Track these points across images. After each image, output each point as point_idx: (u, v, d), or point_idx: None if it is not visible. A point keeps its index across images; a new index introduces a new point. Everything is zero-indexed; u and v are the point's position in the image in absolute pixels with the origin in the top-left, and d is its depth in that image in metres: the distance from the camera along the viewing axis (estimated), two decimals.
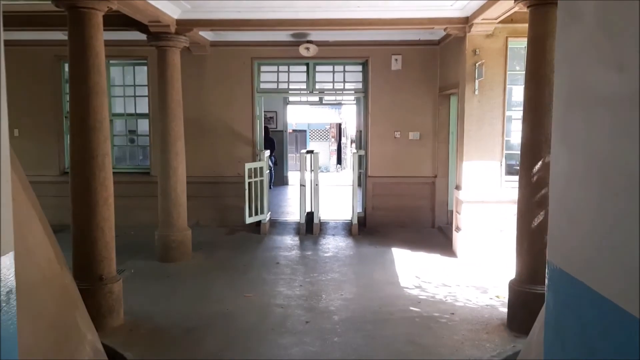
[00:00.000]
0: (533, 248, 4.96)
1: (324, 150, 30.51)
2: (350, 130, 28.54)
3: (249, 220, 8.62)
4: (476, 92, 7.28)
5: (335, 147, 30.92)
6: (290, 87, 9.53)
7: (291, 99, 14.89)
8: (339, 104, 19.25)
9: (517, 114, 7.42)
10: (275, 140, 14.07)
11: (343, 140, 30.15)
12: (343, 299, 6.01)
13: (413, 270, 7.04)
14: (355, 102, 14.49)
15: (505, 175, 7.44)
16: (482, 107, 7.31)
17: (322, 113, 29.81)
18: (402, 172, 9.34)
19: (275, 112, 14.69)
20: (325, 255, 7.84)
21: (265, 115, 14.38)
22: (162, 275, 6.96)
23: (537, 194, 4.90)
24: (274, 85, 9.53)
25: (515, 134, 7.33)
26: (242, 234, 8.99)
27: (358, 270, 7.12)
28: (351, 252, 8.05)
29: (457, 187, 7.65)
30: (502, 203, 7.36)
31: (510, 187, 7.41)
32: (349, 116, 28.67)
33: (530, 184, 4.94)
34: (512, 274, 5.27)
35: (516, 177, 7.55)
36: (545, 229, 4.84)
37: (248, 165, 8.54)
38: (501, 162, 7.35)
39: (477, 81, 7.24)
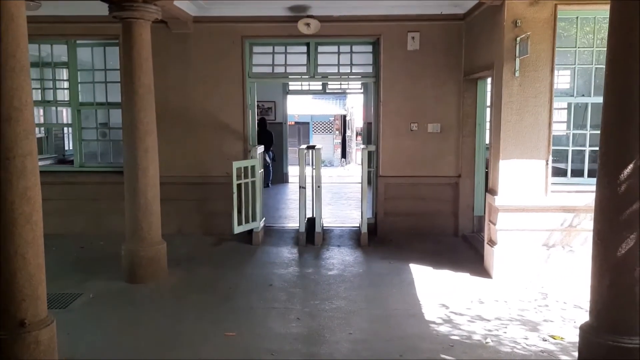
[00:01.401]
0: (619, 285, 3.56)
1: (328, 143, 29.21)
2: (357, 122, 27.14)
3: (237, 229, 7.23)
4: (517, 74, 5.85)
5: (339, 140, 29.54)
6: (288, 71, 8.11)
7: (291, 87, 13.45)
8: (344, 94, 17.70)
9: (559, 104, 6.02)
10: (273, 134, 12.66)
11: (348, 133, 28.73)
12: (352, 341, 4.62)
13: (438, 295, 5.64)
14: (362, 91, 13.12)
15: (552, 176, 6.02)
16: (524, 92, 5.88)
17: (326, 104, 28.41)
18: (420, 171, 7.93)
19: (274, 102, 13.27)
20: (329, 273, 6.45)
21: (262, 105, 13.05)
22: (127, 301, 5.61)
23: (626, 210, 3.48)
24: (268, 69, 8.12)
25: (558, 126, 5.93)
26: (231, 244, 7.61)
27: (370, 296, 5.72)
28: (360, 269, 6.65)
29: (491, 191, 6.24)
30: (549, 211, 5.96)
31: (559, 192, 6.00)
32: (354, 107, 27.28)
33: (614, 196, 3.52)
34: (565, 304, 3.89)
35: (565, 179, 6.17)
36: (637, 259, 3.47)
37: (237, 164, 7.14)
38: (547, 160, 5.92)
39: (518, 60, 5.81)
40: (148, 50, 6.02)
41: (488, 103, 7.70)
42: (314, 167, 7.68)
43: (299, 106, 27.74)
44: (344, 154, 28.49)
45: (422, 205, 7.97)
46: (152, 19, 6.00)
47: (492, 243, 6.20)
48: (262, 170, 8.11)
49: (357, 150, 27.71)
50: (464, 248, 7.41)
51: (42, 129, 9.75)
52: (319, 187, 7.57)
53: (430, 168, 7.92)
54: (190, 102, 7.94)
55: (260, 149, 7.90)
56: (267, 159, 12.54)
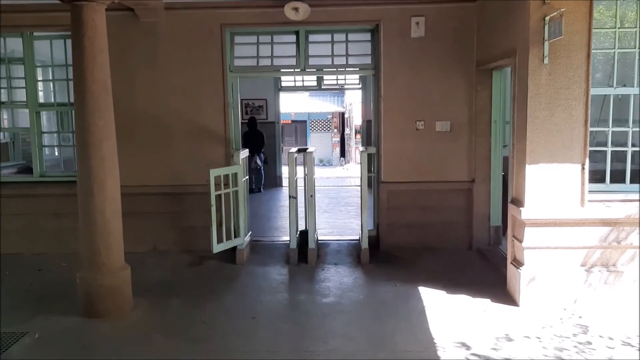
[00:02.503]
0: None
1: (327, 142, 28.25)
2: (356, 119, 26.14)
3: (217, 248, 6.22)
4: (545, 61, 4.84)
5: (338, 138, 28.57)
6: (275, 64, 7.08)
7: (284, 83, 12.44)
8: (340, 90, 16.68)
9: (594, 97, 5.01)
10: (264, 134, 11.65)
11: (347, 131, 27.75)
12: None
13: (456, 330, 4.64)
14: (361, 86, 12.13)
15: (590, 183, 5.02)
16: (555, 82, 4.88)
17: (323, 102, 27.41)
18: (427, 176, 6.94)
19: (265, 100, 12.26)
20: (324, 301, 5.45)
21: (252, 103, 12.05)
22: (78, 343, 4.62)
23: None
24: (253, 62, 7.10)
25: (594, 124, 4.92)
26: (212, 264, 6.61)
27: (372, 332, 4.72)
28: (360, 294, 5.66)
29: (515, 202, 5.23)
30: (586, 225, 4.98)
31: (598, 201, 5.00)
32: (353, 104, 26.28)
33: None
34: (612, 340, 3.02)
35: (603, 186, 5.17)
36: None
37: (215, 172, 6.13)
38: (584, 164, 4.92)
39: (547, 44, 4.80)
40: (103, 40, 5.03)
41: (506, 97, 6.70)
42: (305, 173, 6.67)
43: (295, 104, 26.79)
44: (342, 153, 27.54)
45: (430, 215, 6.97)
46: (106, 3, 5.00)
47: (517, 263, 5.19)
48: (248, 176, 7.08)
49: (356, 149, 26.77)
50: (481, 266, 6.40)
51: (6, 133, 8.77)
52: (311, 196, 6.56)
53: (439, 172, 6.92)
54: (163, 102, 6.93)
55: (244, 153, 6.90)
56: (258, 161, 11.54)
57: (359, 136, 26.83)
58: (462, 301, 5.30)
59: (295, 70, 7.07)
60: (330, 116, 28.42)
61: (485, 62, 6.38)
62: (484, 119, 6.76)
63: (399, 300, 5.39)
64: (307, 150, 6.64)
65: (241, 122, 11.75)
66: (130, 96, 6.86)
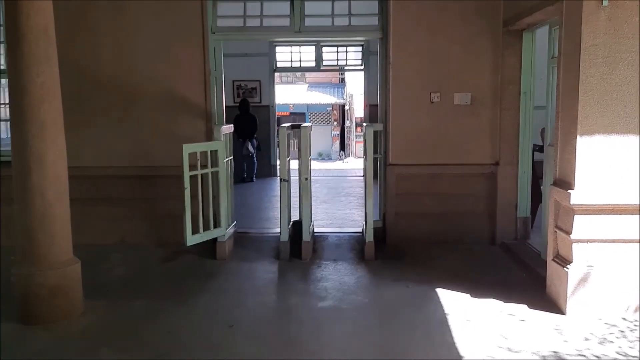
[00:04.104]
0: None
1: (326, 135, 27.18)
2: (357, 112, 25.09)
3: (192, 240, 5.17)
4: (604, 2, 3.78)
5: (338, 131, 27.49)
6: (265, 24, 6.01)
7: (279, 63, 11.33)
8: (341, 70, 15.59)
9: None
10: (257, 119, 10.58)
11: (347, 123, 26.66)
12: None
13: (488, 346, 3.60)
14: (363, 66, 11.08)
15: None
16: (617, 30, 3.82)
17: (322, 94, 26.36)
18: (443, 158, 5.89)
19: (259, 81, 11.18)
20: (320, 305, 4.40)
21: (245, 85, 10.99)
22: (5, 357, 3.58)
23: None
24: (239, 23, 6.03)
25: None
26: (188, 259, 5.56)
27: (381, 347, 3.69)
28: (365, 297, 4.61)
29: (561, 184, 4.18)
30: None
31: None
32: (354, 95, 25.25)
33: None
34: None
35: None
36: None
37: (189, 148, 5.07)
38: None
39: None
40: None
41: (539, 62, 5.66)
42: (301, 153, 5.61)
43: (294, 95, 25.73)
44: (342, 147, 26.47)
45: (446, 204, 5.92)
46: None
47: (562, 260, 4.14)
48: (232, 157, 6.02)
49: (357, 143, 25.73)
50: (508, 263, 5.36)
51: None
52: (306, 179, 5.51)
53: (457, 153, 5.87)
54: (132, 69, 5.88)
55: (228, 128, 5.83)
56: (251, 148, 10.47)
57: (359, 129, 25.79)
58: (492, 307, 4.25)
59: (289, 32, 5.99)
60: (330, 108, 27.33)
61: (515, 20, 5.33)
62: (511, 90, 5.71)
63: (413, 305, 4.35)
64: (303, 126, 5.57)
65: (232, 105, 10.89)
66: (92, 57, 5.83)
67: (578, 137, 3.91)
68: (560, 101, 4.21)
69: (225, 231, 5.53)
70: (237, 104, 10.58)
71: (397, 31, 5.78)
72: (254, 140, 10.56)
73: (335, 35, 6.11)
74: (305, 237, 5.48)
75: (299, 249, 5.54)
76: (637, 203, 3.89)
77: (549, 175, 5.03)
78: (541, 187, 6.21)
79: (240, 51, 10.72)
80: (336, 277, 5.02)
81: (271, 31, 6.09)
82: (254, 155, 10.62)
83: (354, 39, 6.23)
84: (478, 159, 5.88)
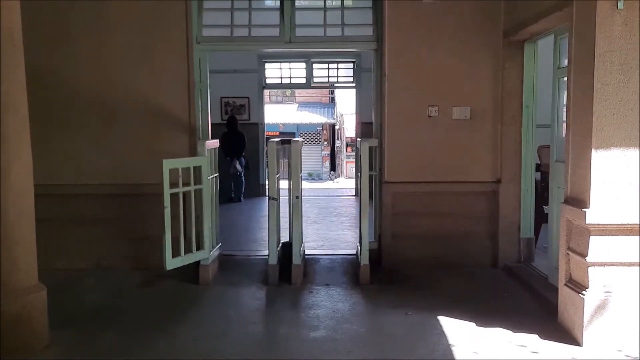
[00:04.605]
0: None
1: (316, 155, 26.90)
2: (347, 131, 24.87)
3: (172, 263, 4.76)
4: (620, 5, 3.50)
5: (328, 151, 27.21)
6: (253, 34, 5.70)
7: (268, 80, 11.05)
8: (331, 87, 15.34)
9: None
10: (246, 136, 10.22)
11: (337, 143, 26.41)
12: None
13: None
14: (354, 84, 10.82)
15: None
16: (633, 35, 3.54)
17: (312, 114, 26.13)
18: (442, 175, 5.56)
19: (247, 98, 10.85)
20: (312, 336, 4.00)
21: (233, 102, 10.67)
22: None
23: None
24: (226, 32, 5.71)
25: None
26: (168, 284, 5.14)
27: None
28: (361, 326, 4.21)
29: (574, 201, 3.85)
30: None
31: None
32: (344, 115, 25.05)
33: None
34: None
35: None
36: None
37: (170, 164, 4.69)
38: None
39: None
40: None
41: (541, 75, 5.38)
42: (291, 170, 5.25)
43: (284, 115, 25.48)
44: (333, 167, 26.17)
45: (445, 224, 5.57)
46: None
47: (576, 286, 3.79)
48: (216, 174, 5.63)
49: (347, 163, 25.45)
50: (514, 288, 4.99)
51: None
52: (297, 197, 5.15)
53: (456, 170, 5.55)
54: (111, 81, 5.52)
55: (213, 143, 5.46)
56: (238, 166, 10.09)
57: (350, 149, 25.53)
58: (500, 337, 3.87)
59: (279, 42, 5.67)
60: (320, 128, 27.09)
61: (516, 30, 5.06)
62: (513, 103, 5.42)
63: (414, 335, 3.96)
64: (293, 141, 5.22)
65: (220, 122, 10.54)
66: (69, 66, 5.47)
67: (593, 151, 3.59)
68: (571, 113, 3.90)
69: (209, 254, 5.12)
70: (225, 121, 10.24)
71: (393, 42, 5.49)
72: (242, 159, 10.20)
73: (328, 46, 5.82)
74: (296, 260, 5.09)
75: (289, 272, 5.14)
76: None
77: (555, 192, 4.71)
78: (544, 205, 5.92)
79: (228, 67, 10.40)
80: (329, 304, 4.63)
81: (260, 41, 5.76)
82: (242, 174, 10.24)
83: (347, 50, 5.88)
84: (478, 177, 5.55)
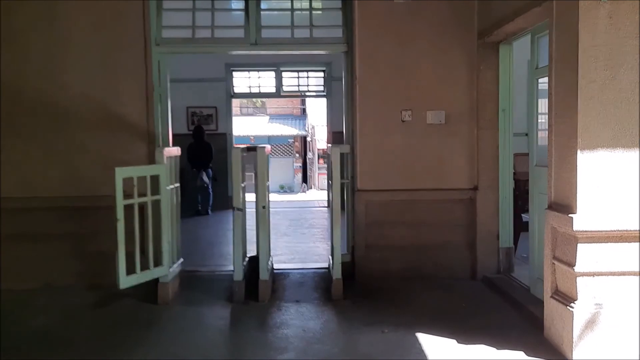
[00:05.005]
0: None
1: (288, 167, 26.54)
2: (319, 143, 24.65)
3: (127, 281, 4.36)
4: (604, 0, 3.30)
5: (300, 164, 26.90)
6: (216, 35, 5.37)
7: (236, 89, 10.69)
8: (302, 96, 15.10)
9: None
10: (213, 147, 9.84)
11: (309, 155, 26.13)
12: None
13: None
14: (325, 92, 10.57)
15: None
16: (618, 29, 3.33)
17: (284, 125, 25.81)
18: (417, 182, 5.30)
19: (215, 107, 10.50)
20: None
21: (200, 112, 10.31)
22: None
23: None
24: (187, 34, 5.37)
25: None
26: (124, 304, 4.72)
27: None
28: (334, 347, 3.87)
29: (558, 207, 3.60)
30: None
31: None
32: (316, 127, 24.84)
33: None
34: None
35: None
36: None
37: (123, 172, 4.30)
38: None
39: None
40: None
41: (516, 78, 5.19)
42: (258, 178, 4.90)
43: (255, 127, 25.08)
44: (305, 179, 25.86)
45: (422, 234, 5.30)
46: None
47: (564, 298, 3.53)
48: (177, 183, 5.24)
49: (319, 175, 25.18)
50: (495, 301, 4.72)
51: None
52: (263, 207, 4.81)
53: (432, 177, 5.29)
54: (63, 84, 5.11)
55: (173, 151, 5.08)
56: (205, 178, 9.69)
57: (322, 161, 25.26)
58: (484, 355, 3.59)
59: (244, 44, 5.36)
60: (291, 140, 26.76)
61: (491, 31, 4.85)
62: (489, 107, 5.20)
63: (392, 354, 3.66)
64: (259, 147, 4.89)
65: (187, 133, 10.15)
66: (15, 69, 5.05)
67: (578, 152, 3.36)
68: (553, 113, 3.67)
69: (168, 270, 4.73)
70: (191, 132, 9.86)
71: (363, 44, 5.23)
72: (209, 170, 9.80)
73: (296, 48, 5.51)
74: (263, 275, 4.73)
75: (256, 289, 4.78)
76: None
77: (537, 199, 4.48)
78: (522, 214, 5.71)
79: (195, 76, 10.08)
80: (299, 322, 4.28)
81: (224, 43, 5.43)
82: (210, 186, 9.84)
83: (316, 53, 5.59)
84: (455, 184, 5.30)
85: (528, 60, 4.69)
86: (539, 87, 4.44)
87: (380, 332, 4.02)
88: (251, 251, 5.42)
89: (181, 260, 5.28)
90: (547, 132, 4.22)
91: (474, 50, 5.20)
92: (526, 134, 5.86)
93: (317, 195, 19.35)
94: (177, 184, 5.17)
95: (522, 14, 4.14)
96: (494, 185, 5.23)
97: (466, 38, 5.21)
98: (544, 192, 4.22)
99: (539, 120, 4.52)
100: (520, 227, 5.60)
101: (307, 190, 23.83)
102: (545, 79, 4.27)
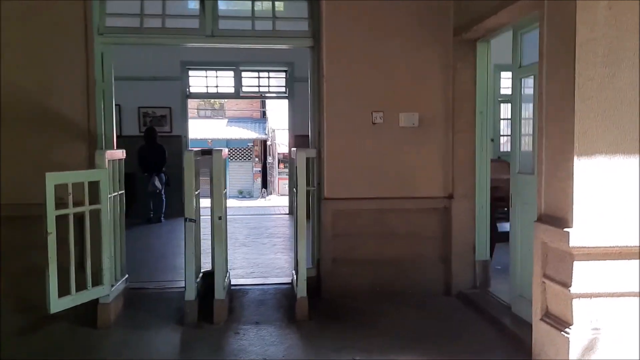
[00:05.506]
0: None
1: (247, 171, 25.94)
2: (280, 147, 24.13)
3: (57, 304, 3.77)
4: None
5: (260, 168, 26.30)
6: (167, 25, 4.82)
7: (192, 88, 10.08)
8: (262, 97, 14.60)
9: None
10: (166, 150, 9.20)
11: (269, 159, 25.56)
12: None
13: None
14: (287, 94, 10.12)
15: None
16: (618, 22, 2.99)
17: (243, 129, 25.16)
18: (389, 190, 4.88)
19: (169, 108, 9.85)
20: None
21: (153, 113, 9.68)
22: None
23: None
24: (134, 22, 4.80)
25: None
26: (58, 328, 4.10)
27: None
28: None
29: (551, 220, 3.23)
30: None
31: None
32: (276, 130, 24.32)
33: None
34: None
35: None
36: None
37: (55, 178, 3.72)
38: None
39: None
40: None
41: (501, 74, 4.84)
42: (214, 187, 4.38)
43: (212, 130, 24.36)
44: (264, 184, 25.27)
45: (393, 246, 4.88)
46: None
47: (556, 322, 3.16)
48: (121, 192, 4.66)
49: (280, 180, 24.66)
50: (474, 320, 4.33)
51: None
52: (220, 218, 4.29)
53: (404, 184, 4.88)
54: None
55: (116, 153, 4.50)
56: (158, 183, 9.04)
57: (282, 165, 24.75)
58: None
59: (200, 36, 4.83)
60: (251, 144, 26.13)
61: (469, 27, 4.48)
62: (466, 109, 4.83)
63: None
64: (215, 150, 4.37)
65: (138, 135, 9.49)
66: None
67: (575, 158, 3.00)
68: (544, 115, 3.30)
69: (110, 290, 4.15)
70: (143, 133, 9.21)
71: (332, 39, 4.78)
72: (162, 175, 9.15)
73: (257, 42, 5.02)
74: (219, 294, 4.21)
75: (211, 308, 4.25)
76: None
77: (519, 209, 4.12)
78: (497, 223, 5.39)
79: (147, 74, 9.44)
80: (259, 349, 3.78)
81: (176, 34, 4.88)
82: (163, 192, 9.19)
83: (279, 48, 5.12)
84: (429, 192, 4.91)
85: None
86: (524, 87, 4.09)
87: (351, 359, 3.56)
88: (206, 264, 4.89)
89: (126, 276, 4.70)
90: (531, 136, 3.90)
91: (449, 48, 4.83)
92: (492, 139, 5.58)
93: (278, 201, 18.83)
94: (122, 191, 4.59)
95: (506, 6, 3.77)
96: (470, 193, 4.87)
97: (442, 35, 4.83)
98: (528, 201, 3.90)
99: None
100: (496, 237, 5.27)
101: (268, 195, 23.29)
102: (530, 79, 3.95)
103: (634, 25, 2.98)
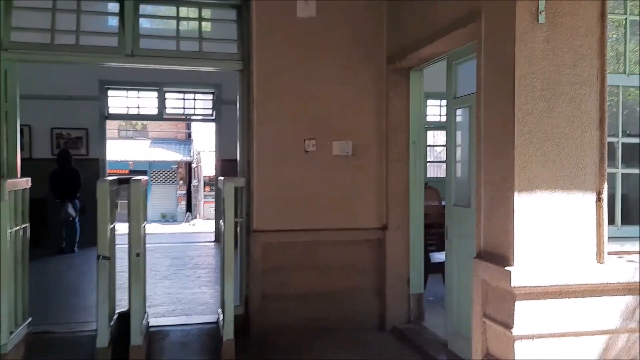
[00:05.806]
0: None
1: (171, 195, 25.07)
2: (205, 169, 23.48)
3: None
4: (541, 19, 2.91)
5: (184, 191, 25.46)
6: (81, 42, 4.41)
7: (111, 109, 9.47)
8: (189, 121, 14.15)
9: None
10: (81, 175, 8.56)
11: (194, 182, 24.81)
12: None
13: None
14: (214, 116, 9.78)
15: (611, 225, 3.09)
16: (555, 55, 2.96)
17: (167, 151, 24.32)
18: (321, 222, 4.67)
19: (86, 130, 9.21)
20: None
21: (67, 135, 9.05)
22: None
23: None
24: (44, 38, 4.35)
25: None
26: None
27: None
28: None
29: (491, 257, 3.12)
30: (605, 294, 3.00)
31: (614, 254, 3.11)
32: (202, 152, 23.66)
33: None
34: None
35: (616, 230, 3.28)
36: None
37: None
38: (600, 192, 3.00)
39: None
40: None
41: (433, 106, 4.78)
42: (131, 217, 3.98)
43: (134, 152, 23.36)
44: (189, 208, 24.47)
45: (326, 280, 4.66)
46: None
47: None
48: (25, 223, 4.15)
49: (205, 203, 23.97)
50: (408, 358, 4.16)
51: None
52: (137, 255, 3.89)
53: (338, 215, 4.69)
54: None
55: (20, 183, 4.00)
56: (71, 211, 8.36)
57: (208, 188, 24.10)
58: None
59: (118, 55, 4.45)
60: (175, 166, 25.30)
61: (404, 55, 4.40)
62: (399, 138, 4.74)
63: None
64: (133, 180, 3.98)
65: (51, 158, 8.80)
66: None
67: (515, 194, 2.91)
68: (482, 149, 3.22)
69: (8, 338, 3.63)
70: (55, 156, 8.54)
71: (262, 63, 4.56)
72: (77, 201, 8.48)
73: (182, 63, 4.69)
74: (135, 339, 3.79)
75: (127, 354, 3.83)
76: (587, 282, 2.95)
77: (455, 242, 4.03)
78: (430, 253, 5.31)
79: (62, 93, 8.83)
80: None
81: (92, 52, 4.46)
82: (77, 220, 8.51)
83: (206, 69, 4.81)
84: (363, 223, 4.75)
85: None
86: (457, 119, 4.03)
87: None
88: (122, 301, 4.44)
89: (29, 320, 4.16)
90: (465, 164, 3.83)
91: (383, 76, 4.74)
92: None
93: (203, 226, 18.22)
94: (26, 224, 4.08)
95: (442, 35, 3.71)
96: (404, 224, 4.75)
97: (377, 61, 4.74)
98: (464, 235, 3.82)
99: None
100: (428, 268, 5.19)
101: (192, 219, 22.53)
102: (462, 110, 3.90)
103: (572, 60, 2.96)
